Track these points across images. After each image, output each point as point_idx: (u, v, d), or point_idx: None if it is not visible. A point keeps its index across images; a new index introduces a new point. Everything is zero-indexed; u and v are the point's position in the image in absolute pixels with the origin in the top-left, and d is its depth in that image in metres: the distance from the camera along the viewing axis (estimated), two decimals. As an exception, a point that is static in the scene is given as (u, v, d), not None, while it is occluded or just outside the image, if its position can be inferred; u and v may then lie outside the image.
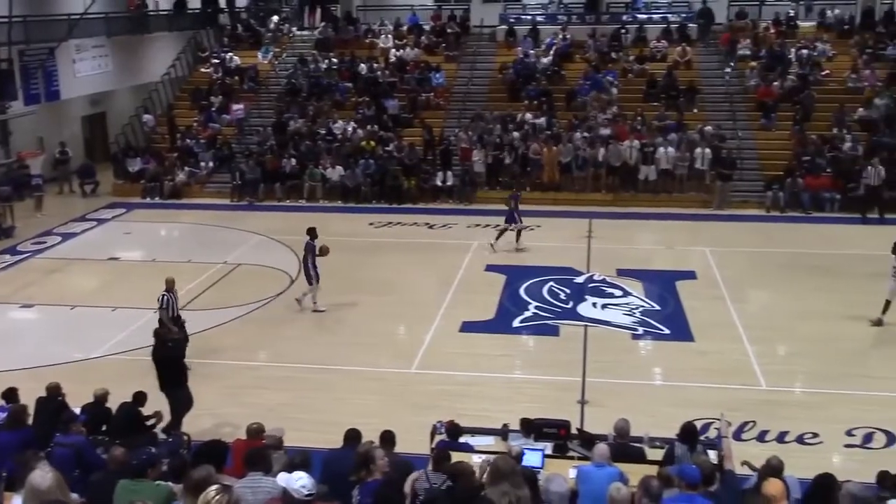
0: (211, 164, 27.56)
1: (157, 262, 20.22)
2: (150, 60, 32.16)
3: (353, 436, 8.49)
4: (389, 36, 32.49)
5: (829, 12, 32.00)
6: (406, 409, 12.18)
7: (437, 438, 9.58)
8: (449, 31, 32.66)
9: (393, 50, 31.60)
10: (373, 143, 26.95)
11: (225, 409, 12.35)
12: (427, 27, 33.37)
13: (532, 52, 30.47)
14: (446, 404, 12.02)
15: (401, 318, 16.50)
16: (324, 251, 16.57)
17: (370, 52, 31.84)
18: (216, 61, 31.98)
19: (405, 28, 33.29)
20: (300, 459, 7.54)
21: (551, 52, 30.27)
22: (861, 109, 26.37)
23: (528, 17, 33.44)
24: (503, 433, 9.72)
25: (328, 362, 14.23)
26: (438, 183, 25.76)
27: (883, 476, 8.09)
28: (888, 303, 15.55)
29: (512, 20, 33.20)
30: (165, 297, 13.46)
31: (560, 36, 31.05)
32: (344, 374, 13.83)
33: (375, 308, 16.80)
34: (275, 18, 35.48)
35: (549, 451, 9.17)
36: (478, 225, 22.97)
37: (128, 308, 16.61)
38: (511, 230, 20.61)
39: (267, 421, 9.37)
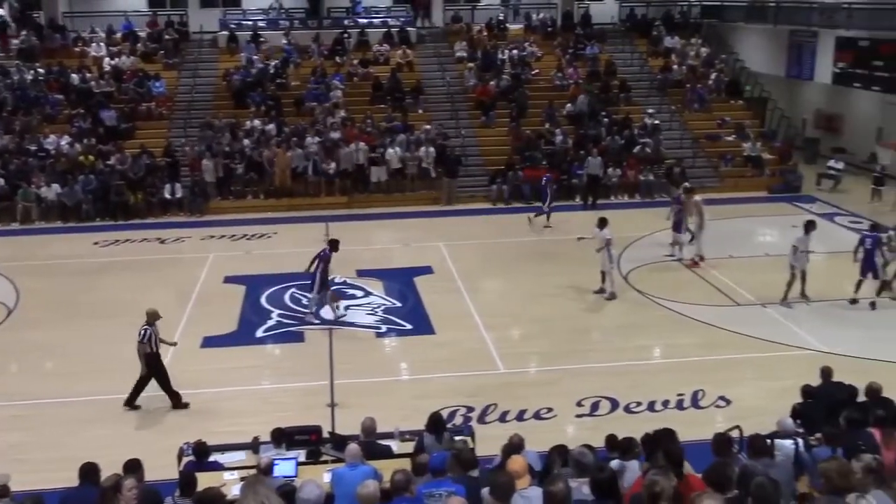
0: None
1: None
2: None
3: (88, 470, 7.92)
4: (102, 44, 30.67)
5: (533, 16, 34.37)
6: (150, 434, 11.66)
7: (185, 460, 9.25)
8: (167, 37, 31.44)
9: (107, 58, 29.87)
10: (92, 157, 25.36)
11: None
12: (143, 34, 31.90)
13: (256, 57, 30.08)
14: (194, 424, 11.63)
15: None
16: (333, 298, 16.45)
17: (81, 62, 29.87)
18: None
19: (119, 35, 31.62)
20: (30, 504, 6.98)
21: (285, 58, 30.05)
22: (568, 105, 28.57)
23: (249, 23, 32.96)
24: (254, 446, 9.56)
25: (60, 395, 13.23)
26: (167, 196, 24.74)
27: (609, 439, 8.86)
28: (603, 274, 17.26)
29: (233, 26, 32.56)
30: (147, 331, 12.48)
31: (284, 41, 30.93)
32: (79, 405, 12.93)
33: (107, 332, 15.76)
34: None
35: (302, 458, 9.17)
36: (212, 237, 22.38)
37: None
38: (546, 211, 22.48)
39: (-7, 466, 8.58)
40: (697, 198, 19.71)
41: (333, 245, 16.59)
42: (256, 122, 26.94)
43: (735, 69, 32.11)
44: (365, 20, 33.64)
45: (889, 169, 24.25)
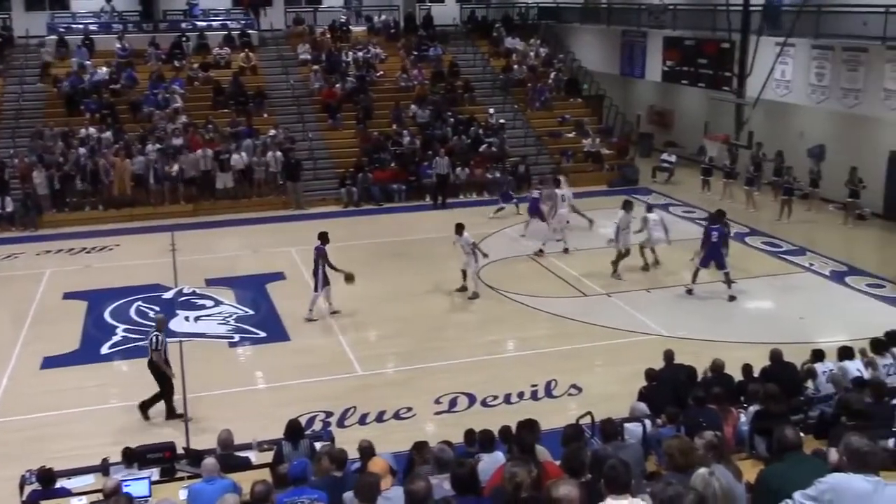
0: None
1: None
2: None
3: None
4: (-86, 49, 28.56)
5: (376, 18, 34.42)
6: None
7: (28, 489, 8.77)
8: (-12, 41, 29.63)
9: (-80, 65, 27.85)
10: None
11: None
12: (-40, 39, 29.91)
13: (88, 62, 28.75)
14: (36, 450, 10.98)
15: (-32, 366, 14.71)
16: (349, 279, 16.28)
17: None
18: None
19: (-66, 40, 29.53)
20: None
21: (114, 63, 28.86)
22: (414, 106, 28.79)
23: (80, 27, 31.43)
24: (104, 468, 9.17)
25: None
26: (-4, 210, 23.30)
27: (468, 434, 9.01)
28: (464, 272, 17.47)
29: (62, 29, 30.97)
30: (159, 338, 12.35)
31: (118, 45, 29.70)
32: None
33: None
34: None
35: (156, 477, 8.87)
36: (48, 251, 21.23)
37: None
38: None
39: None
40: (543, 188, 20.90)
41: (324, 238, 16.32)
42: (91, 130, 25.75)
43: (573, 68, 33.26)
44: (203, 23, 32.75)
45: (716, 160, 25.73)
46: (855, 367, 10.56)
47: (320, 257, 16.17)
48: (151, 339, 12.42)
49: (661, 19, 29.05)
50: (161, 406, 12.54)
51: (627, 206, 18.64)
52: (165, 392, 12.51)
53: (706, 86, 26.85)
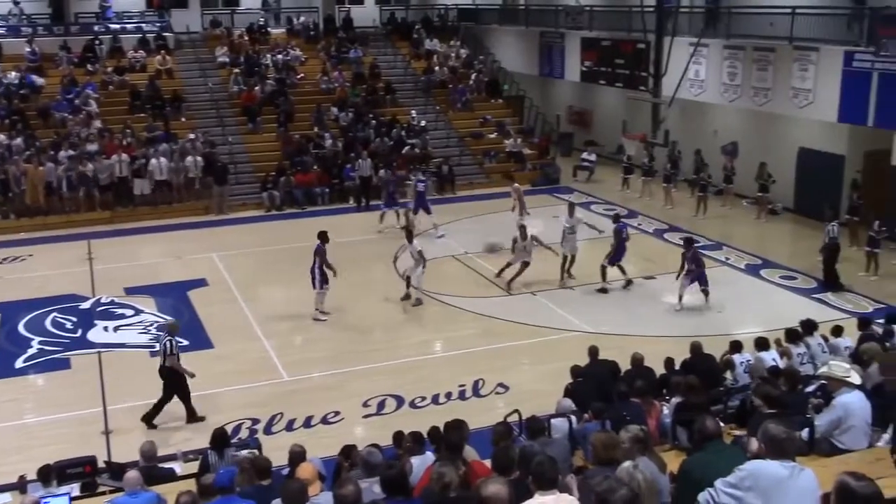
0: None
1: None
2: None
3: None
4: None
5: (295, 20, 34.11)
6: None
7: (-59, 511, 8.45)
8: None
9: None
10: None
11: None
12: None
13: (-4, 67, 27.81)
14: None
15: None
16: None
17: None
18: None
19: None
20: None
21: (24, 68, 27.91)
22: (335, 109, 28.62)
23: (-12, 30, 30.38)
24: (20, 486, 8.86)
25: None
26: None
27: (396, 436, 9.00)
28: (408, 279, 17.41)
29: (-34, 33, 29.87)
30: (172, 343, 12.17)
31: (28, 49, 28.75)
32: None
33: None
34: None
35: (77, 493, 8.63)
36: (-43, 263, 20.47)
37: None
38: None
39: None
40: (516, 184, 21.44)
41: (323, 237, 16.28)
42: (1, 137, 24.86)
43: (493, 69, 33.53)
44: (117, 25, 31.95)
45: (634, 159, 26.25)
46: (770, 357, 10.93)
47: (317, 256, 16.19)
48: (165, 345, 12.23)
49: (578, 20, 29.50)
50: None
51: (571, 208, 18.88)
52: (183, 397, 12.38)
53: (623, 85, 27.35)
